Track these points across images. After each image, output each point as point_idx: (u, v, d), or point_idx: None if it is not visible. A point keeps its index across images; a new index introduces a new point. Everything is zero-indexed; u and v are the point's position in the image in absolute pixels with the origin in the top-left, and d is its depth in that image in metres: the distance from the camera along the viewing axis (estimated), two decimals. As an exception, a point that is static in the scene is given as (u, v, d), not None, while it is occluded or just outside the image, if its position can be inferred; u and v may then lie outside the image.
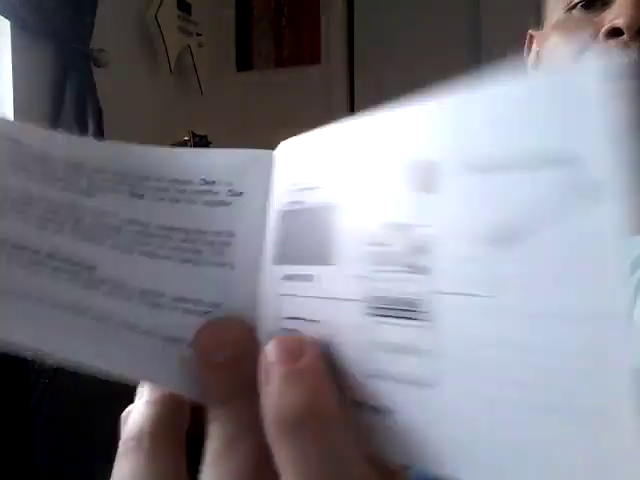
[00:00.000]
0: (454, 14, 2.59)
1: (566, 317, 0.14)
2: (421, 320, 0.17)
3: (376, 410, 0.18)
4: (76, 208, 0.22)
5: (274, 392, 0.18)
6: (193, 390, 0.21)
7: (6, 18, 1.59)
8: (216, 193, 0.23)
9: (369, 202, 0.19)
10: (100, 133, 1.75)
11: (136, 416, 0.23)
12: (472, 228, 0.16)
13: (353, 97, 2.75)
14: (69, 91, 1.71)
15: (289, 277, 0.21)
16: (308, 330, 0.20)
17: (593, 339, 0.14)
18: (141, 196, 0.23)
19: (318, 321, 0.20)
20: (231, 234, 0.23)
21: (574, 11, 0.57)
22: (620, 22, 0.51)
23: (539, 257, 0.14)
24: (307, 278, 0.21)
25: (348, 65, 2.74)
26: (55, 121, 1.70)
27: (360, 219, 0.19)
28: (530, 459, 0.14)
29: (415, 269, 0.17)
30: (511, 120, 0.15)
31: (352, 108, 2.74)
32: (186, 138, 2.02)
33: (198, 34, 2.44)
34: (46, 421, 1.28)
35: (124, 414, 0.24)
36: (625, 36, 0.52)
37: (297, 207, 0.21)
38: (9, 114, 1.62)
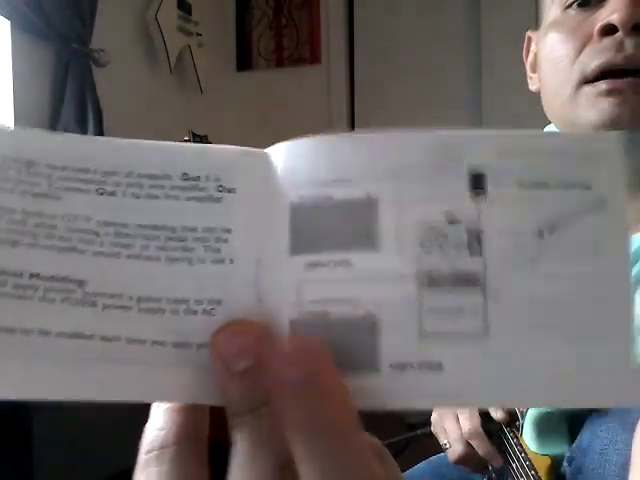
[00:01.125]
0: (454, 14, 2.59)
1: (583, 277, 0.22)
2: (473, 287, 0.22)
3: (428, 365, 0.22)
4: (44, 215, 0.21)
5: (289, 401, 0.19)
6: (213, 396, 0.22)
7: (6, 18, 1.60)
8: (203, 189, 0.22)
9: (416, 201, 0.22)
10: (100, 133, 1.75)
11: (156, 426, 0.23)
12: (512, 223, 0.22)
13: (353, 97, 2.75)
14: (69, 91, 1.71)
15: (313, 264, 0.22)
16: (343, 310, 0.22)
17: (605, 291, 0.22)
18: (112, 193, 0.22)
19: (356, 301, 0.22)
20: (227, 230, 0.22)
21: (570, 10, 0.57)
22: (614, 18, 0.51)
23: (565, 241, 0.22)
24: (343, 263, 0.22)
25: (348, 65, 2.74)
26: (55, 121, 1.70)
27: (405, 214, 0.22)
28: (550, 376, 0.22)
29: (470, 251, 0.22)
30: (549, 154, 0.22)
31: (352, 108, 2.75)
32: (186, 138, 2.02)
33: (198, 34, 2.44)
34: (45, 441, 1.28)
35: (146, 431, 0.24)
36: (620, 33, 0.51)
37: (319, 201, 0.22)
38: (9, 114, 1.62)
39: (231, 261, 0.22)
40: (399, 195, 0.22)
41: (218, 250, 0.22)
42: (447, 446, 0.74)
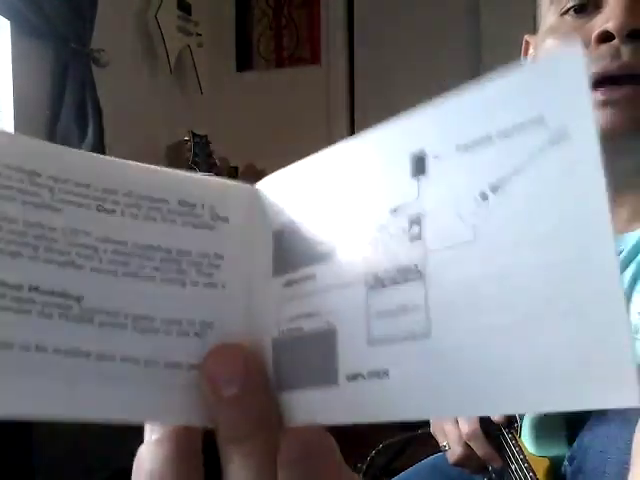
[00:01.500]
0: (454, 14, 2.59)
1: (549, 240, 0.17)
2: (414, 280, 0.19)
3: (376, 374, 0.20)
4: (44, 227, 0.21)
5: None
6: (203, 418, 0.22)
7: (6, 18, 1.60)
8: (198, 216, 0.23)
9: (361, 197, 0.21)
10: (100, 133, 1.75)
11: (147, 457, 0.22)
12: (455, 193, 0.19)
13: (353, 97, 2.75)
14: (69, 91, 1.71)
15: (289, 282, 0.23)
16: (310, 323, 0.22)
17: (577, 257, 0.16)
18: (111, 211, 0.22)
19: (318, 313, 0.22)
20: (219, 256, 0.23)
21: (567, 16, 0.57)
22: (610, 26, 0.51)
23: (514, 199, 0.18)
24: (309, 277, 0.22)
25: (348, 65, 2.74)
26: (55, 121, 1.70)
27: (354, 213, 0.22)
28: (509, 372, 0.17)
29: (411, 238, 0.20)
30: (489, 103, 0.19)
31: (352, 108, 2.75)
32: (186, 138, 2.02)
33: (198, 34, 2.44)
34: (45, 441, 1.28)
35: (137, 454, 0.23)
36: (616, 40, 0.51)
37: (291, 226, 0.23)
38: (9, 114, 1.62)
39: (223, 286, 0.23)
40: (351, 198, 0.22)
41: (210, 275, 0.23)
42: (446, 448, 0.74)
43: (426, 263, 0.19)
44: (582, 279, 0.16)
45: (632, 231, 0.58)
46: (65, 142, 1.68)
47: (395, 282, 0.20)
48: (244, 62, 2.80)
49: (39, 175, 0.21)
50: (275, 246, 0.23)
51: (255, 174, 2.54)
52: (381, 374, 0.20)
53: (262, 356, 0.22)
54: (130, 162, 0.23)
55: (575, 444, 0.55)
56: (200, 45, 2.45)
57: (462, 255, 0.18)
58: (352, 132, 2.74)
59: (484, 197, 0.18)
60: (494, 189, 0.18)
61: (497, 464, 0.71)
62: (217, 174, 2.02)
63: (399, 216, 0.20)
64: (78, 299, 0.21)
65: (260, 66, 2.78)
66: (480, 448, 0.71)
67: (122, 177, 0.22)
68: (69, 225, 0.21)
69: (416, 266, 0.19)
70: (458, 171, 0.19)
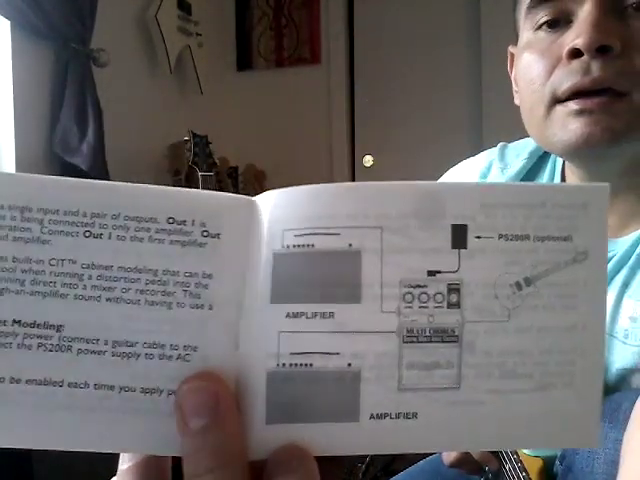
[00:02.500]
0: (454, 14, 2.59)
1: (561, 329, 0.23)
2: (451, 342, 0.23)
3: (405, 415, 0.22)
4: (32, 261, 0.21)
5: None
6: (177, 447, 0.21)
7: (6, 18, 1.60)
8: (188, 233, 0.22)
9: (399, 252, 0.22)
10: (100, 133, 1.75)
11: None
12: (493, 275, 0.23)
13: (353, 97, 2.75)
14: (69, 91, 1.71)
15: (295, 314, 0.22)
16: (325, 362, 0.22)
17: (580, 342, 0.23)
18: (98, 236, 0.22)
19: (338, 353, 0.22)
20: (208, 275, 0.22)
21: (540, 31, 0.58)
22: (579, 43, 0.52)
23: (543, 294, 0.23)
24: (324, 315, 0.22)
25: (348, 65, 2.74)
26: (55, 121, 1.70)
27: (388, 265, 0.22)
28: (518, 422, 0.23)
29: (448, 304, 0.23)
30: (532, 209, 0.23)
31: (352, 108, 2.75)
32: (186, 138, 2.02)
33: (198, 34, 2.44)
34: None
35: None
36: (585, 56, 0.52)
37: (303, 250, 0.22)
38: (9, 114, 1.62)
39: (210, 307, 0.22)
40: (382, 247, 0.22)
41: (198, 295, 0.22)
42: None
43: (463, 330, 0.23)
44: (580, 364, 0.23)
45: (625, 235, 0.58)
46: (65, 142, 1.68)
47: (430, 340, 0.23)
48: (244, 62, 2.80)
49: (30, 209, 0.21)
50: (275, 269, 0.22)
51: (255, 174, 2.54)
52: (410, 415, 0.23)
53: (249, 388, 0.22)
54: (119, 183, 0.22)
55: None
56: (200, 45, 2.45)
57: (495, 330, 0.23)
58: (352, 132, 2.74)
59: (519, 287, 0.23)
60: (528, 282, 0.23)
61: (493, 466, 0.71)
62: (217, 174, 2.02)
63: (439, 282, 0.22)
64: (58, 328, 0.21)
65: (260, 66, 2.78)
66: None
67: (110, 199, 0.22)
68: (55, 255, 0.22)
69: (453, 330, 0.23)
70: (498, 256, 0.23)
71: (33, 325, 0.21)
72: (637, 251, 0.56)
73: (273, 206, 0.22)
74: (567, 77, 0.54)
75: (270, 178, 2.54)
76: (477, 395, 0.23)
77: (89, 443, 0.22)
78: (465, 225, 0.22)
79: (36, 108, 1.69)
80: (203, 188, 1.87)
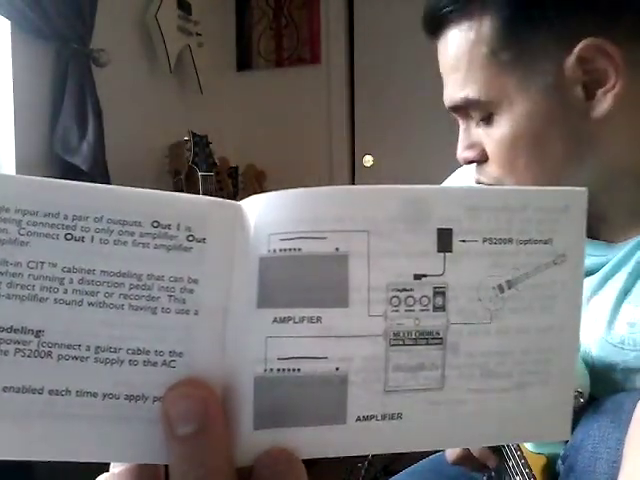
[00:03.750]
0: (454, 14, 2.58)
1: (539, 330, 0.24)
2: (436, 344, 0.23)
3: (390, 416, 0.23)
4: (8, 264, 0.21)
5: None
6: (163, 454, 0.21)
7: (6, 18, 1.60)
8: (173, 237, 0.22)
9: (385, 256, 0.22)
10: (100, 133, 1.75)
11: None
12: (477, 278, 0.23)
13: (353, 97, 2.75)
14: (69, 91, 1.71)
15: (282, 319, 0.22)
16: (313, 366, 0.22)
17: (556, 341, 0.24)
18: (80, 239, 0.21)
19: (326, 357, 0.22)
20: (194, 280, 0.22)
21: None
22: (458, 152, 0.65)
23: (523, 296, 0.24)
24: (312, 319, 0.22)
25: (348, 65, 2.74)
26: (55, 121, 1.70)
27: (374, 269, 0.22)
28: (497, 418, 0.24)
29: (433, 307, 0.23)
30: (515, 212, 0.23)
31: (352, 108, 2.75)
32: (186, 138, 2.02)
33: (198, 34, 2.44)
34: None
35: None
36: (468, 164, 0.65)
37: (289, 254, 0.22)
38: (9, 114, 1.62)
39: (196, 312, 0.22)
40: (369, 251, 0.22)
41: (183, 300, 0.22)
42: None
43: (447, 332, 0.23)
44: (556, 362, 0.24)
45: (622, 241, 0.59)
46: (65, 142, 1.68)
47: (416, 342, 0.23)
48: (244, 62, 2.80)
49: (7, 210, 0.21)
50: (262, 274, 0.22)
51: (255, 174, 2.54)
52: (395, 416, 0.23)
53: (236, 394, 0.22)
54: (102, 185, 0.22)
55: (569, 443, 0.56)
56: (200, 45, 2.45)
57: (478, 332, 0.23)
58: (352, 132, 2.74)
59: (501, 289, 0.23)
60: (509, 285, 0.24)
61: (492, 464, 0.71)
62: (217, 174, 2.02)
63: (425, 285, 0.23)
64: (37, 333, 0.21)
65: (260, 66, 2.78)
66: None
67: (93, 202, 0.21)
68: (35, 258, 0.21)
69: (438, 333, 0.23)
70: (481, 260, 0.23)
71: (10, 330, 0.21)
72: (637, 257, 0.56)
73: (259, 210, 0.22)
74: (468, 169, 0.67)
75: (270, 178, 2.54)
76: (459, 395, 0.24)
77: (71, 453, 0.21)
78: (450, 229, 0.23)
79: (36, 108, 1.69)
80: (203, 188, 1.87)
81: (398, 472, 0.83)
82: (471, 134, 0.62)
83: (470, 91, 0.58)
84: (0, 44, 1.62)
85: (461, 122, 0.64)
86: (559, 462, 0.58)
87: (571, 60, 0.54)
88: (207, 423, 0.20)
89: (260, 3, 2.77)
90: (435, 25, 0.62)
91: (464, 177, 0.80)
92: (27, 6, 1.58)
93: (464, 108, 0.61)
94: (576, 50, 0.54)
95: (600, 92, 0.55)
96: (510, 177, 0.59)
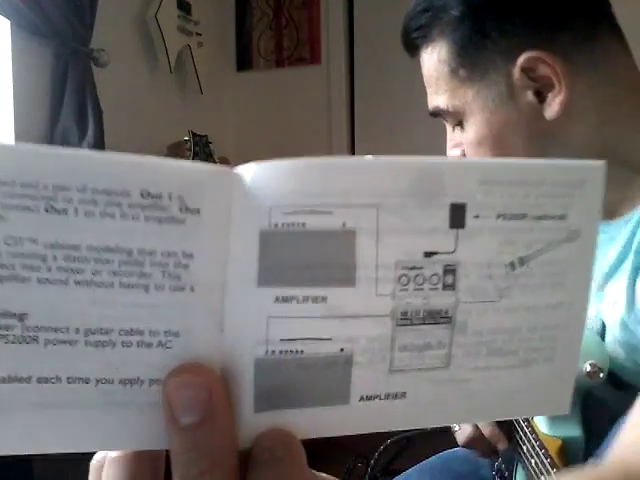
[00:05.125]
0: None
1: (548, 307, 0.23)
2: (444, 323, 0.22)
3: (393, 395, 0.22)
4: None
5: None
6: (162, 439, 0.20)
7: (6, 18, 1.59)
8: (164, 208, 0.19)
9: (395, 232, 0.21)
10: (100, 133, 1.75)
11: (109, 473, 0.22)
12: (489, 255, 0.22)
13: (353, 97, 2.75)
14: (69, 91, 1.71)
15: (284, 299, 0.20)
16: (317, 348, 0.21)
17: (564, 318, 0.24)
18: (62, 211, 0.19)
19: (331, 338, 0.21)
20: (188, 255, 0.20)
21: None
22: (447, 151, 0.73)
23: (534, 273, 0.23)
24: (316, 299, 0.21)
25: (348, 65, 2.73)
26: (55, 121, 1.70)
27: (383, 246, 0.21)
28: (500, 395, 0.24)
29: (443, 286, 0.22)
30: (530, 186, 0.22)
31: (352, 108, 2.74)
32: (186, 138, 2.02)
33: (198, 34, 2.44)
34: None
35: (94, 463, 0.23)
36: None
37: (292, 229, 0.20)
38: (9, 114, 1.62)
39: (192, 289, 0.20)
40: (378, 227, 0.21)
41: (178, 277, 0.20)
42: (457, 428, 0.76)
43: (456, 311, 0.22)
44: (562, 339, 0.24)
45: (617, 218, 0.63)
46: (65, 142, 1.68)
47: (423, 322, 0.22)
48: (244, 62, 2.79)
49: None
50: (262, 249, 0.20)
51: (255, 174, 2.53)
52: (399, 395, 0.22)
53: (235, 377, 0.21)
54: (85, 151, 0.19)
55: (599, 450, 0.56)
56: (200, 45, 2.45)
57: (487, 310, 0.23)
58: (352, 132, 2.74)
59: (513, 267, 0.23)
60: (521, 262, 0.23)
61: (502, 446, 0.72)
62: (217, 174, 2.02)
63: (435, 263, 0.22)
64: (21, 317, 0.19)
65: (260, 66, 2.78)
66: (487, 428, 0.73)
67: (76, 170, 0.19)
68: (13, 234, 0.19)
69: (447, 312, 0.22)
70: (494, 237, 0.22)
71: None
72: (636, 235, 0.58)
73: (259, 180, 0.20)
74: None
75: (270, 178, 2.53)
76: (464, 373, 0.23)
77: (66, 444, 0.20)
78: (464, 204, 0.21)
79: (36, 108, 1.69)
80: (203, 188, 1.87)
81: (398, 472, 0.83)
82: (454, 136, 0.72)
83: (440, 102, 0.69)
84: (0, 44, 1.62)
85: (447, 125, 0.73)
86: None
87: (517, 70, 0.63)
88: (212, 412, 0.19)
89: (260, 3, 2.77)
90: (409, 48, 0.73)
91: None
92: (27, 5, 1.58)
93: (440, 115, 0.71)
94: (519, 62, 0.62)
95: (550, 95, 0.63)
96: None
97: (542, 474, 0.63)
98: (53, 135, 1.70)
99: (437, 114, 0.71)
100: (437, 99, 0.69)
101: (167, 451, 0.21)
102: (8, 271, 0.19)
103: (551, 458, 0.63)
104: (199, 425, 0.19)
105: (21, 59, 1.65)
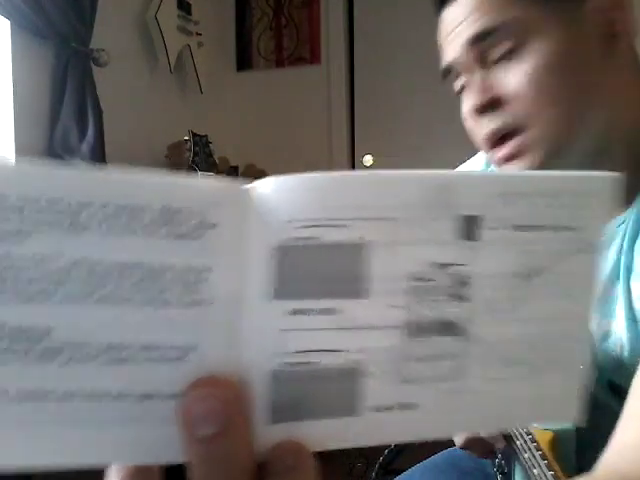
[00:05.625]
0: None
1: (558, 317, 0.24)
2: (458, 335, 0.22)
3: (406, 406, 0.22)
4: (11, 258, 0.19)
5: None
6: (178, 453, 0.20)
7: (6, 18, 1.60)
8: (182, 224, 0.20)
9: (409, 245, 0.21)
10: (100, 133, 1.75)
11: None
12: (504, 267, 0.22)
13: (353, 97, 2.75)
14: (69, 91, 1.71)
15: (299, 311, 0.21)
16: (331, 359, 0.21)
17: (572, 328, 0.24)
18: (85, 227, 0.19)
19: (345, 350, 0.21)
20: (207, 269, 0.20)
21: (460, 94, 0.66)
22: (465, 111, 0.62)
23: (548, 283, 0.23)
24: (327, 312, 0.21)
25: (348, 65, 2.73)
26: (55, 121, 1.70)
27: (397, 259, 0.21)
28: (511, 405, 0.24)
29: (457, 298, 0.22)
30: (547, 199, 0.22)
31: (352, 108, 2.74)
32: (186, 138, 2.02)
33: (198, 34, 2.44)
34: None
35: None
36: (478, 117, 0.61)
37: (308, 243, 0.21)
38: (9, 114, 1.62)
39: (209, 303, 0.21)
40: (392, 239, 0.21)
41: (196, 291, 0.20)
42: None
43: (469, 322, 0.22)
44: (571, 348, 0.24)
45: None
46: (65, 142, 1.68)
47: (436, 333, 0.22)
48: (244, 62, 2.79)
49: (7, 198, 0.19)
50: (278, 264, 0.21)
51: (255, 174, 2.54)
52: (411, 406, 0.22)
53: (251, 389, 0.21)
54: (108, 170, 0.20)
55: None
56: (200, 45, 2.45)
57: (500, 321, 0.23)
58: (352, 132, 2.74)
59: (526, 278, 0.23)
60: (536, 273, 0.23)
61: (500, 445, 0.72)
62: (217, 174, 2.02)
63: (448, 275, 0.22)
64: (47, 332, 0.19)
65: (260, 66, 2.78)
66: None
67: (98, 187, 0.20)
68: (38, 250, 0.19)
69: (459, 323, 0.22)
70: (509, 248, 0.22)
71: (19, 330, 0.19)
72: (626, 235, 0.57)
73: (274, 194, 0.21)
74: (478, 131, 0.62)
75: (270, 178, 2.53)
76: (476, 384, 0.23)
77: (82, 458, 0.20)
78: (476, 216, 0.22)
79: (36, 108, 1.69)
80: (203, 188, 1.87)
81: (399, 472, 0.83)
82: (480, 83, 0.60)
83: (492, 21, 0.57)
84: (0, 44, 1.62)
85: (464, 77, 0.63)
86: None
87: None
88: (230, 423, 0.19)
89: (260, 3, 2.77)
90: None
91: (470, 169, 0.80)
92: (27, 6, 1.58)
93: (475, 51, 0.59)
94: None
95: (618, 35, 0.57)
96: (532, 116, 0.57)
97: (534, 467, 0.64)
98: (53, 135, 1.70)
99: (467, 55, 0.60)
100: (483, 19, 0.58)
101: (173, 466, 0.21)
102: (35, 287, 0.19)
103: (542, 451, 0.63)
104: (218, 436, 0.19)
105: (21, 59, 1.65)
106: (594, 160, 0.58)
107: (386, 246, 0.21)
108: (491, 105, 0.59)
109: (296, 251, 0.21)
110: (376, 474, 1.53)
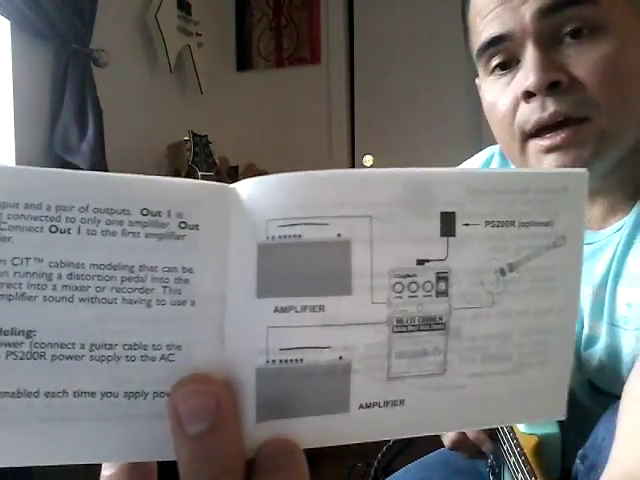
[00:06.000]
0: (454, 13, 2.59)
1: (539, 312, 0.24)
2: (439, 330, 0.23)
3: (392, 403, 0.23)
4: None
5: None
6: (167, 451, 0.21)
7: (6, 18, 1.60)
8: (164, 225, 0.20)
9: (388, 241, 0.22)
10: (100, 133, 1.75)
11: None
12: (479, 262, 0.23)
13: (353, 97, 2.75)
14: (69, 91, 1.71)
15: (283, 309, 0.21)
16: (316, 356, 0.21)
17: (555, 323, 0.24)
18: (66, 231, 0.20)
19: (329, 347, 0.22)
20: (188, 270, 0.21)
21: (493, 75, 0.59)
22: (529, 85, 0.54)
23: (524, 278, 0.23)
24: (311, 309, 0.21)
25: (348, 65, 2.74)
26: (55, 121, 1.70)
27: (378, 255, 0.22)
28: (496, 401, 0.24)
29: (437, 293, 0.23)
30: (516, 195, 0.23)
31: (352, 108, 2.75)
32: (186, 138, 2.02)
33: (198, 34, 2.44)
34: None
35: None
36: (539, 95, 0.54)
37: (290, 241, 0.21)
38: (9, 114, 1.62)
39: (192, 303, 0.21)
40: (372, 236, 0.22)
41: (179, 291, 0.21)
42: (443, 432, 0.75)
43: (450, 317, 0.23)
44: (554, 343, 0.24)
45: (606, 228, 0.61)
46: (65, 142, 1.68)
47: (419, 328, 0.23)
48: (244, 62, 2.80)
49: None
50: (261, 262, 0.21)
51: (255, 174, 2.54)
52: (397, 402, 0.23)
53: (237, 387, 0.21)
54: (87, 172, 0.20)
55: (588, 443, 0.56)
56: (200, 45, 2.45)
57: (479, 315, 0.23)
58: (352, 132, 2.74)
59: (503, 273, 0.23)
60: (511, 268, 0.23)
61: (488, 447, 0.72)
62: (217, 174, 2.02)
63: (428, 270, 0.22)
64: (29, 334, 0.20)
65: (260, 66, 2.78)
66: (471, 431, 0.72)
67: (77, 190, 0.20)
68: (19, 254, 0.19)
69: (441, 318, 0.23)
70: (484, 243, 0.23)
71: (0, 332, 0.20)
72: (621, 242, 0.57)
73: (256, 194, 0.21)
74: (529, 115, 0.55)
75: (270, 178, 2.53)
76: (460, 379, 0.23)
77: (73, 456, 0.20)
78: (453, 212, 0.22)
79: (36, 108, 1.69)
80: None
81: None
82: (544, 59, 0.53)
83: None
84: (0, 44, 1.62)
85: (537, 49, 0.54)
86: (577, 461, 0.58)
87: None
88: (219, 419, 0.20)
89: (260, 3, 2.77)
90: None
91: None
92: (27, 6, 1.58)
93: (547, 23, 0.53)
94: None
95: None
96: (604, 106, 0.53)
97: (518, 472, 0.64)
98: (53, 135, 1.70)
99: (492, 44, 0.56)
100: None
101: (166, 462, 0.21)
102: (15, 290, 0.20)
103: (525, 456, 0.64)
104: (207, 433, 0.19)
105: (21, 59, 1.65)
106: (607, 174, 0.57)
107: (365, 243, 0.22)
108: (556, 85, 0.53)
109: (278, 249, 0.21)
110: (376, 474, 1.53)
